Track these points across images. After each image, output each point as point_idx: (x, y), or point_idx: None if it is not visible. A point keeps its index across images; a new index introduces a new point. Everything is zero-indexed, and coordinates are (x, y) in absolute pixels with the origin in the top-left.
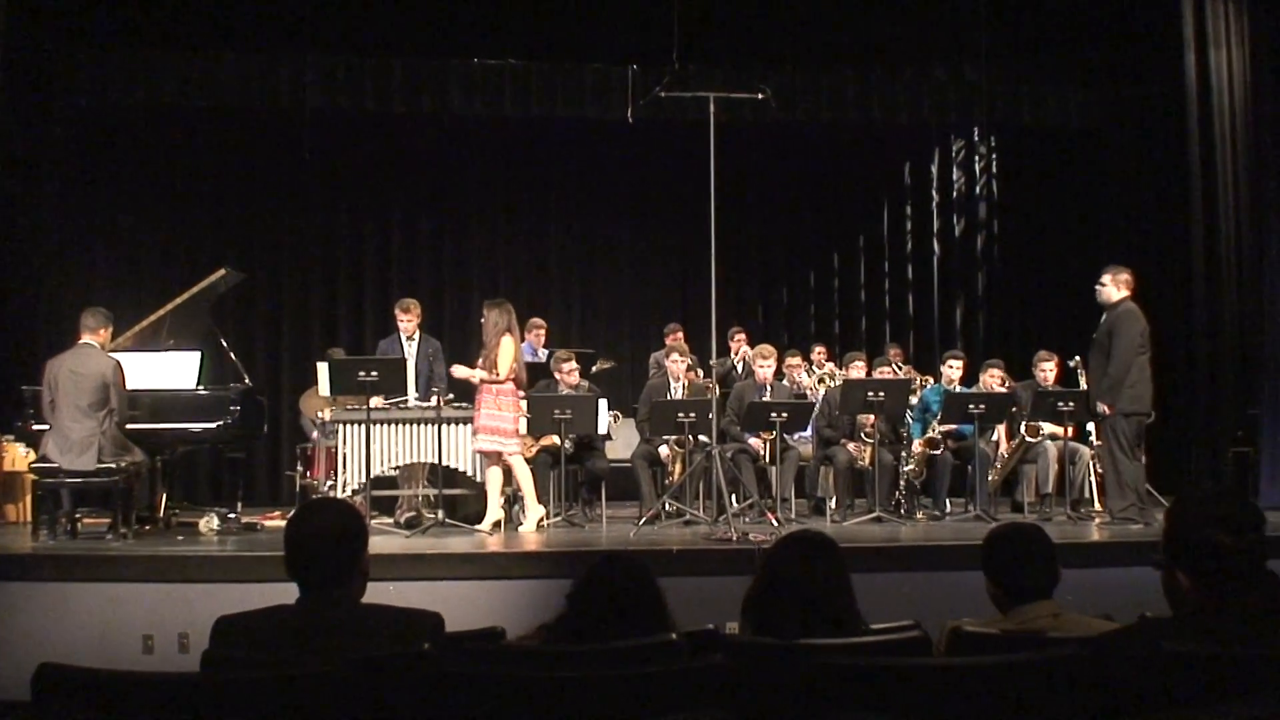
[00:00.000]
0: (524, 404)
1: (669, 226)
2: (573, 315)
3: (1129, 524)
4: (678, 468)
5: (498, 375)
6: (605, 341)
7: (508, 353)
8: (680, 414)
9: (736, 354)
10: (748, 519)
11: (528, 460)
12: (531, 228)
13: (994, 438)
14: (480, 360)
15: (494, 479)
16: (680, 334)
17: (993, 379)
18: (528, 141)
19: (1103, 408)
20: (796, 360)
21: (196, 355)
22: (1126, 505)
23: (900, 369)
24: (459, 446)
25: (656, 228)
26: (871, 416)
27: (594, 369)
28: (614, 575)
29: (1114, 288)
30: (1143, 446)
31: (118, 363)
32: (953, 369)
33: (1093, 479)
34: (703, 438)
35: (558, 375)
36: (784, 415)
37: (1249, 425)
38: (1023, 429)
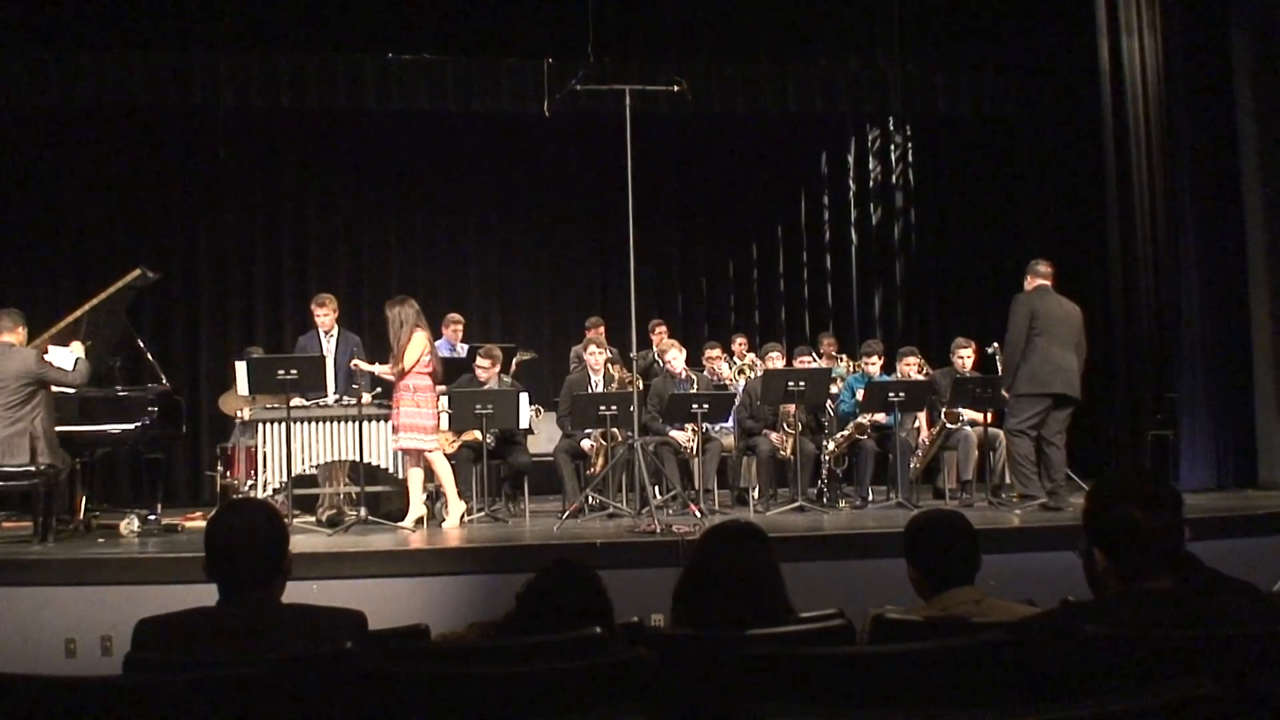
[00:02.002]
0: (444, 400)
1: (588, 220)
2: (492, 309)
3: (1032, 502)
4: (600, 461)
5: (402, 368)
6: (525, 336)
7: (417, 347)
8: (601, 407)
9: (658, 346)
10: (671, 511)
11: (449, 456)
12: (449, 222)
13: (914, 425)
14: (390, 358)
15: (415, 476)
16: (601, 327)
17: (909, 367)
18: (444, 137)
19: (1003, 394)
20: (716, 352)
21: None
22: (1028, 487)
23: (839, 359)
24: (380, 443)
25: (575, 221)
26: (793, 406)
27: (515, 360)
28: (563, 580)
29: (1028, 279)
30: (1064, 433)
31: (38, 351)
32: (871, 364)
33: None
34: (623, 431)
35: (479, 371)
36: (705, 406)
37: (1167, 410)
38: (943, 416)
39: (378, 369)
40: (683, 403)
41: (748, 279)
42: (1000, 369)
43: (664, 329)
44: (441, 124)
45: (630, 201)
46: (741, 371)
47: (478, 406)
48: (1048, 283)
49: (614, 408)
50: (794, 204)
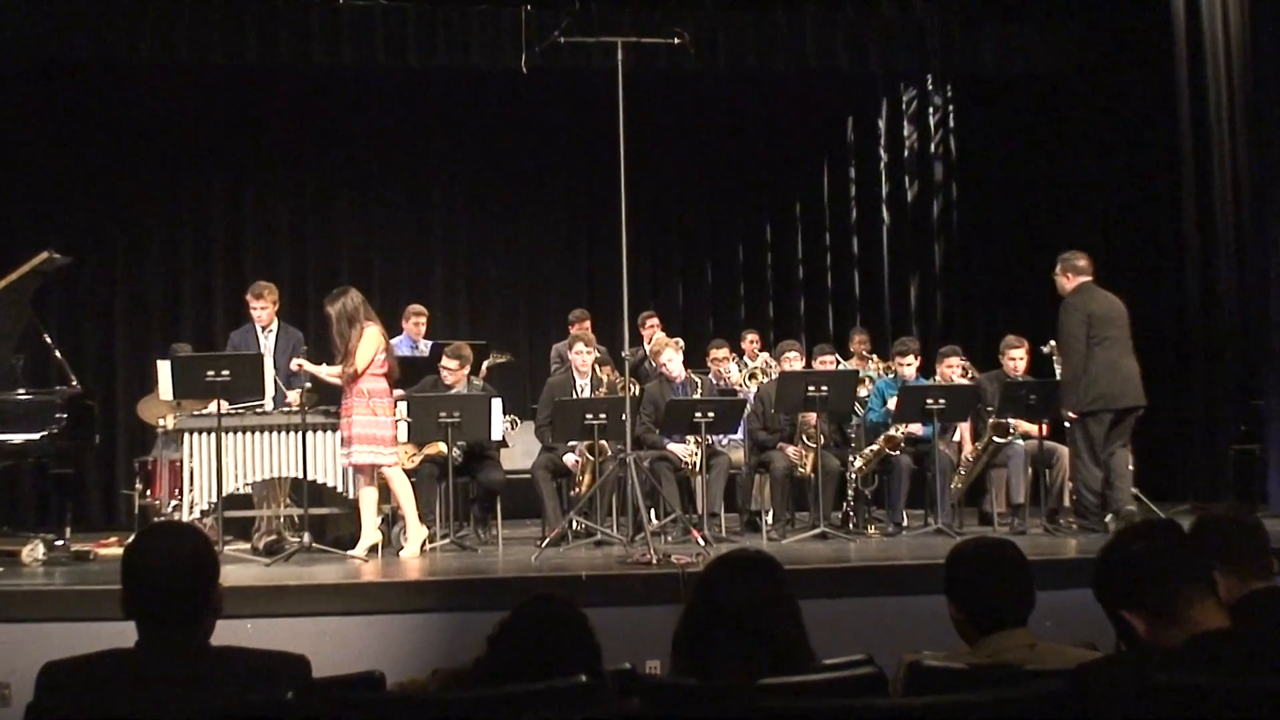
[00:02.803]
0: (402, 407)
1: (572, 195)
2: (459, 301)
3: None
4: (586, 479)
5: (354, 369)
6: (499, 332)
7: (370, 344)
8: (588, 415)
9: (650, 343)
10: (670, 538)
11: (408, 473)
12: (410, 198)
13: (956, 438)
14: (339, 359)
15: (369, 496)
16: (587, 322)
17: (951, 369)
18: (403, 97)
19: (1066, 413)
20: (724, 351)
21: None
22: (1090, 522)
23: (869, 359)
24: (327, 457)
25: (557, 197)
26: (813, 415)
27: (486, 364)
28: (544, 620)
29: (1062, 278)
30: (1128, 444)
31: None
32: (905, 365)
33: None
34: (613, 445)
35: (445, 373)
36: (710, 415)
37: (1252, 419)
38: (990, 427)
39: (325, 371)
40: (684, 411)
41: (760, 265)
42: (1061, 382)
43: (656, 321)
44: (400, 81)
45: (622, 174)
46: (753, 375)
47: (442, 414)
48: (1089, 278)
49: (603, 416)
50: (815, 177)
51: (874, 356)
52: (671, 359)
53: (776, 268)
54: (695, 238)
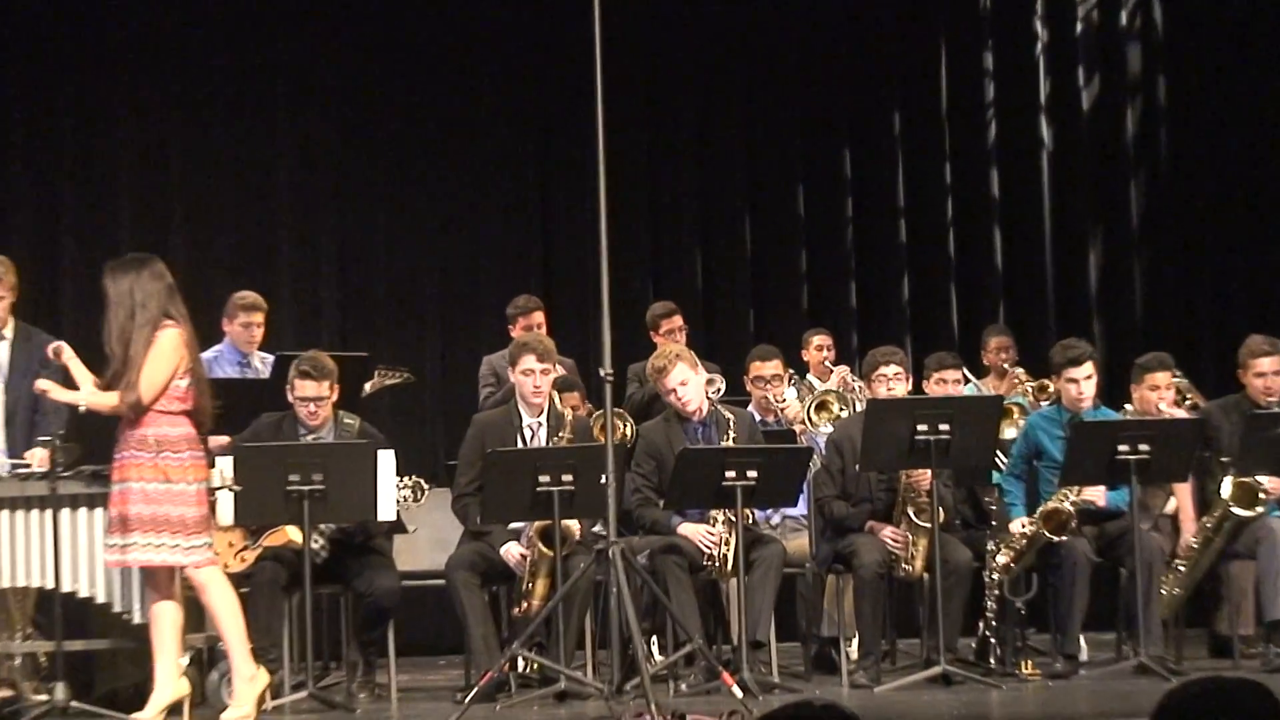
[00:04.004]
0: (224, 465)
1: (520, 127)
2: (326, 288)
3: None
4: (539, 586)
5: (136, 398)
6: (391, 337)
7: (165, 358)
8: (544, 477)
9: (657, 364)
10: (684, 685)
11: (237, 579)
12: (245, 126)
13: (1169, 510)
14: (110, 377)
15: (164, 619)
16: (538, 316)
17: (1156, 392)
18: None
19: None
20: (773, 365)
21: None
22: None
23: (1017, 380)
24: (94, 554)
25: (496, 130)
26: (927, 475)
27: (369, 389)
28: None
29: None
30: None
31: None
32: (1076, 382)
33: None
34: (587, 527)
35: (299, 406)
36: (751, 476)
37: None
38: (1225, 489)
39: (86, 398)
40: (706, 468)
41: (829, 226)
42: None
43: (679, 323)
44: None
45: (599, 96)
46: (823, 404)
47: (294, 478)
48: None
49: (568, 479)
50: (925, 71)
51: (1022, 372)
52: (687, 380)
53: (860, 230)
54: (722, 186)
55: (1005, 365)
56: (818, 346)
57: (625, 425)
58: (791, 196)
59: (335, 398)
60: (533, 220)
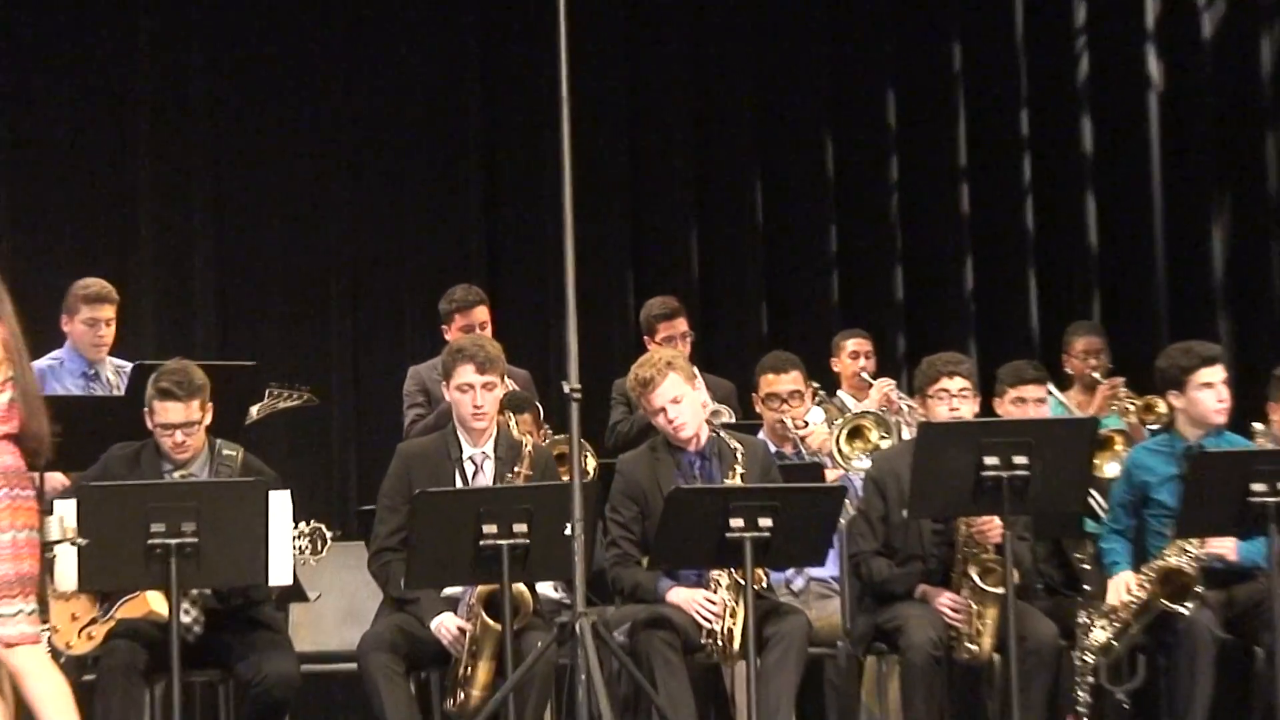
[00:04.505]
0: (63, 510)
1: (456, 63)
2: (199, 278)
3: None
4: (482, 672)
5: None
6: (285, 343)
7: None
8: (488, 528)
9: (645, 375)
10: None
11: (78, 665)
12: (101, 68)
13: None
14: None
15: None
16: (482, 311)
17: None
18: None
19: None
20: (792, 379)
21: None
22: None
23: (1120, 392)
24: None
25: (420, 69)
26: (997, 523)
27: (255, 411)
28: None
29: None
30: None
31: None
32: (1218, 384)
33: None
34: (549, 591)
35: (161, 434)
36: (765, 524)
37: None
38: None
39: None
40: (702, 514)
41: (871, 198)
42: None
43: (684, 327)
44: None
45: (562, 19)
46: (858, 431)
47: (157, 528)
48: None
49: (521, 529)
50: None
51: (1122, 386)
52: (681, 396)
53: (908, 208)
54: (717, 144)
55: (1095, 375)
56: (852, 353)
57: (589, 460)
58: (818, 151)
59: (208, 421)
60: (473, 189)
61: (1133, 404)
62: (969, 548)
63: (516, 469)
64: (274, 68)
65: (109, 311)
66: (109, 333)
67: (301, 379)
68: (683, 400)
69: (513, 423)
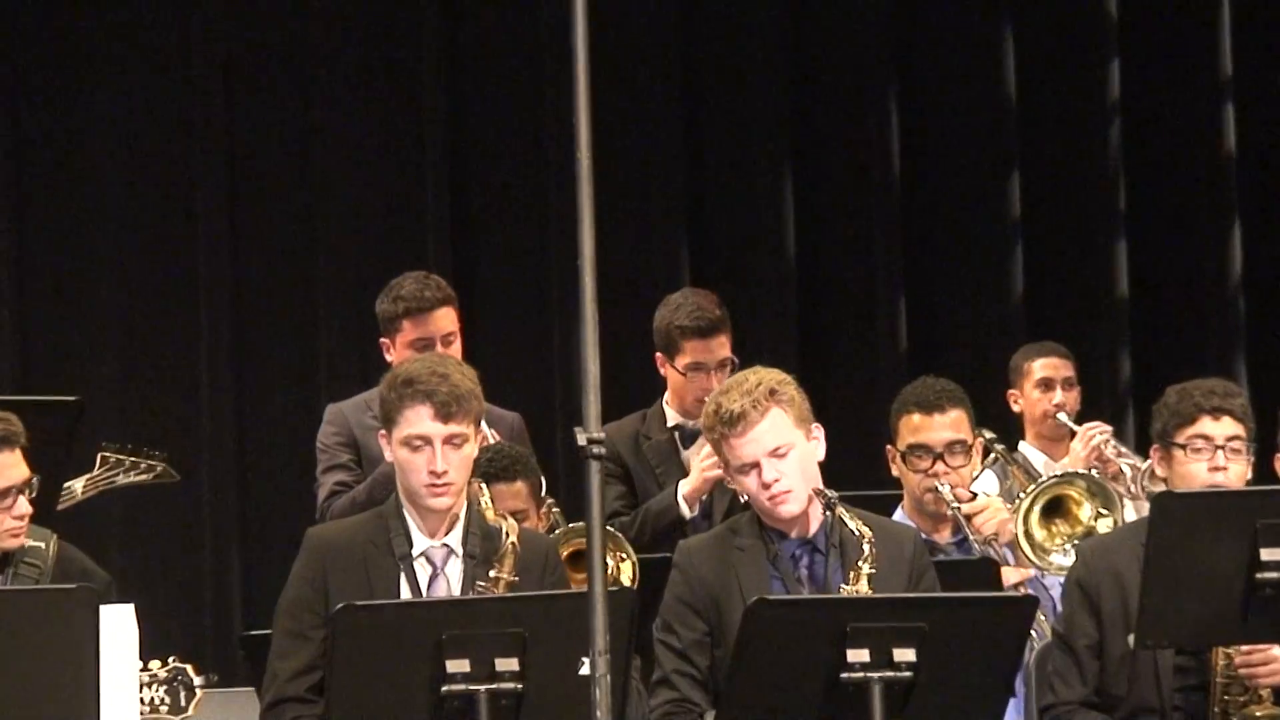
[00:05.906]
0: None
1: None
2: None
3: None
4: None
5: None
6: (128, 392)
7: None
8: (455, 663)
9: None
10: None
11: None
12: None
13: None
14: None
15: None
16: (446, 315)
17: None
18: None
19: None
20: (953, 420)
21: None
22: None
23: None
24: None
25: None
26: (1275, 654)
27: (79, 486)
28: None
29: None
30: None
31: None
32: None
33: None
34: None
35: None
36: (907, 656)
37: None
38: None
39: None
40: (806, 638)
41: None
42: None
43: (722, 353)
44: None
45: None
46: (1057, 506)
47: None
48: None
49: (504, 669)
50: None
51: None
52: (787, 447)
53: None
54: (752, 100)
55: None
56: (1042, 382)
57: (624, 561)
58: (883, 116)
59: (28, 486)
60: (429, 151)
61: None
62: (1230, 690)
63: (495, 571)
64: None
65: None
66: None
67: (153, 439)
68: (789, 455)
69: (485, 497)
